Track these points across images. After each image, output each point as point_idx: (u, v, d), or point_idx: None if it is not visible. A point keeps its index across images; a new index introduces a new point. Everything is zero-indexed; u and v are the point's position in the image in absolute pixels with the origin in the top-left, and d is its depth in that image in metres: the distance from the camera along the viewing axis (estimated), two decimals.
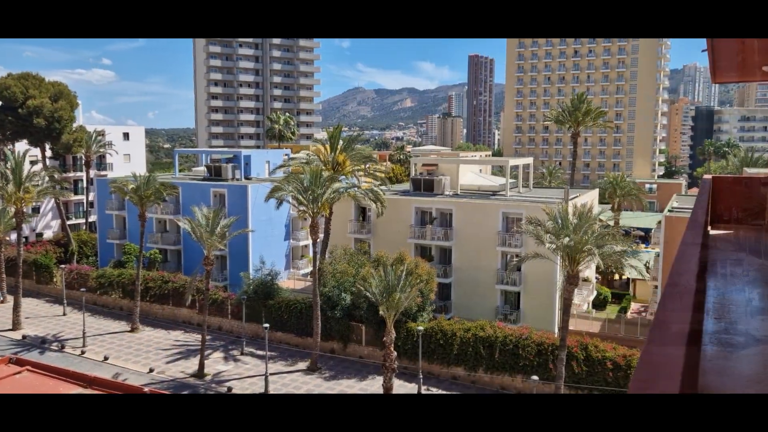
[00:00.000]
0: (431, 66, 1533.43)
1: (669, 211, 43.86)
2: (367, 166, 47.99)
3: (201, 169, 64.62)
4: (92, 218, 73.00)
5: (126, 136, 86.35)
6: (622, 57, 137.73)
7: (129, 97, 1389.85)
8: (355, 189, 43.78)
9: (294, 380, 39.82)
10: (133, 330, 49.23)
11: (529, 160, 55.39)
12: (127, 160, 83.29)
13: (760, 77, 12.56)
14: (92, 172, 74.17)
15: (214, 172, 59.20)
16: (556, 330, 39.96)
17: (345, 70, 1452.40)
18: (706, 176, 12.84)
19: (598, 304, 50.50)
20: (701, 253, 6.84)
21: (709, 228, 12.14)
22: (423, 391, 37.56)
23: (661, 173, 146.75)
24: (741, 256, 10.23)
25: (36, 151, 67.71)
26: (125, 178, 52.64)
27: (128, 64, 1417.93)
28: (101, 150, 74.80)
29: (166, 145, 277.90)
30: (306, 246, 59.43)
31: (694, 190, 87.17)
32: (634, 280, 54.86)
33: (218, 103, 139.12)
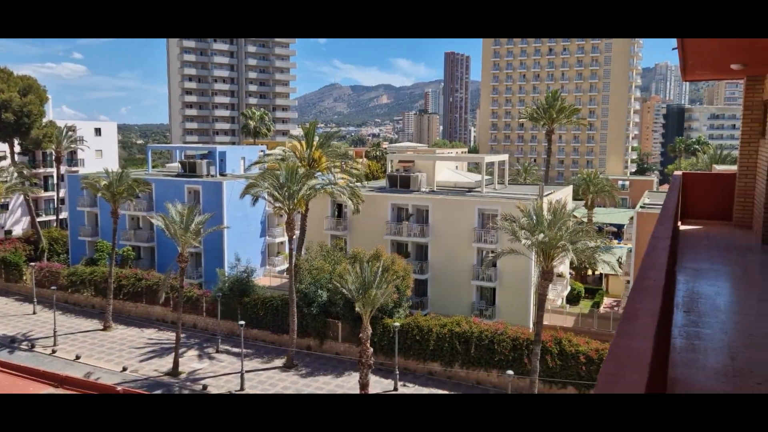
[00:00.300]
0: (408, 63, 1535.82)
1: (641, 207, 44.55)
2: (344, 162, 47.91)
3: (175, 165, 63.86)
4: (63, 215, 71.68)
5: (98, 131, 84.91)
6: (596, 55, 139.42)
7: (101, 92, 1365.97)
8: (332, 186, 43.67)
9: (270, 377, 39.64)
10: (105, 328, 48.52)
11: (505, 157, 55.77)
12: (99, 156, 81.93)
13: (728, 75, 12.82)
14: (63, 168, 72.79)
15: (189, 169, 58.53)
16: (531, 325, 40.36)
17: (321, 66, 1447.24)
18: (676, 173, 13.09)
19: (572, 299, 51.15)
20: (671, 248, 6.97)
21: (679, 223, 12.38)
22: (399, 387, 37.69)
23: (633, 170, 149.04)
24: (710, 251, 10.45)
25: (4, 147, 66.22)
26: (97, 174, 51.79)
27: (100, 58, 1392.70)
28: (72, 146, 73.40)
29: (140, 141, 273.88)
30: (282, 243, 59.13)
31: (666, 187, 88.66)
32: (607, 275, 55.68)
33: (192, 98, 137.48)
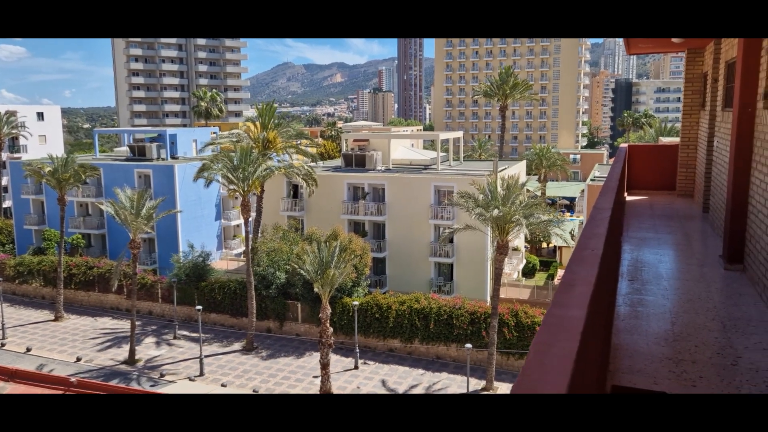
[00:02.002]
0: (360, 40, 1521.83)
1: (591, 180, 45.64)
2: (298, 142, 47.44)
3: (124, 150, 62.03)
4: (7, 203, 69.04)
5: (40, 116, 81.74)
6: None
7: (43, 75, 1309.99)
8: (287, 166, 43.21)
9: (230, 361, 39.35)
10: (57, 319, 47.19)
11: (460, 134, 56.10)
12: (43, 142, 78.99)
13: (670, 48, 13.11)
14: (4, 155, 69.96)
15: (138, 152, 56.94)
16: (488, 299, 41.09)
17: (273, 44, 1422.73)
18: (622, 145, 13.40)
19: (528, 272, 52.20)
20: (617, 218, 7.14)
21: (625, 194, 12.71)
22: (360, 365, 37.97)
23: (584, 144, 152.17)
24: (654, 220, 10.76)
25: None
26: (41, 161, 49.98)
27: (40, 39, 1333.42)
28: (13, 131, 70.50)
29: (86, 125, 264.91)
30: (238, 225, 58.37)
31: None
32: (560, 247, 56.95)
33: (140, 80, 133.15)
